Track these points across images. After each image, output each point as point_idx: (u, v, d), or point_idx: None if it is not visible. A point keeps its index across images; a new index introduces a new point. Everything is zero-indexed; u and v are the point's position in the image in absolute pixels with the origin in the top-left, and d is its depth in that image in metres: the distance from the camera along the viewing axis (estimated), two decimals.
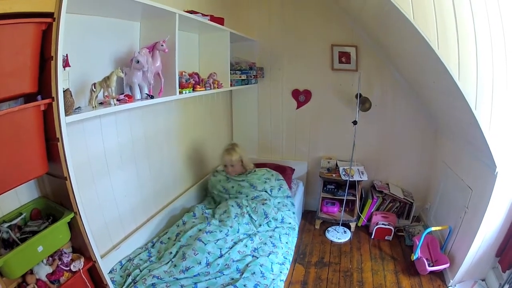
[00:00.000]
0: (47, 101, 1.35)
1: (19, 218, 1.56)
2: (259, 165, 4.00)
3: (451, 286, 3.01)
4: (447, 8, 2.13)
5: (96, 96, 1.72)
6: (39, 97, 1.39)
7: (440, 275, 3.13)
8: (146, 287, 2.09)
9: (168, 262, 2.35)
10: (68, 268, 1.65)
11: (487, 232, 2.77)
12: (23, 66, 1.29)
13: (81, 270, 1.67)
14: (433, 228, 3.19)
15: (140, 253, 2.44)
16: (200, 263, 2.31)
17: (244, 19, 3.98)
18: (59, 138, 1.40)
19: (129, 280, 2.17)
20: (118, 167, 2.28)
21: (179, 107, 3.01)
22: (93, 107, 1.71)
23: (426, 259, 3.16)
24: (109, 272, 2.19)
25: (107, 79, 1.73)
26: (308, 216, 4.27)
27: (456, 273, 2.96)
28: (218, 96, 3.89)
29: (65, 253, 1.69)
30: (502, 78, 2.25)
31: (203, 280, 2.23)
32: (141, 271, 2.26)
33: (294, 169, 4.08)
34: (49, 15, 1.32)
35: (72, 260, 1.69)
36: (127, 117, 2.32)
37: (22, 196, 1.65)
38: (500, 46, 2.18)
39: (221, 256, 2.43)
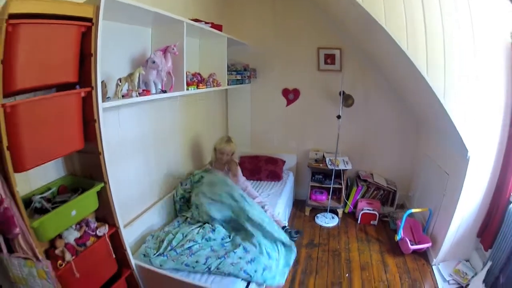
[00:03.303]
0: (87, 89, 1.69)
1: (48, 192, 1.82)
2: (252, 158, 4.37)
3: (434, 265, 3.28)
4: (417, 13, 2.50)
5: (121, 89, 2.05)
6: (77, 86, 1.72)
7: (423, 255, 3.44)
8: (184, 250, 2.49)
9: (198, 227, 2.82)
10: (94, 233, 1.94)
11: (464, 213, 3.05)
12: (68, 59, 1.63)
13: (106, 235, 1.98)
14: (413, 210, 3.51)
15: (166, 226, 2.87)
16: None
17: (239, 24, 4.33)
18: (96, 119, 1.74)
19: (165, 244, 2.52)
20: (130, 154, 2.58)
21: (182, 104, 3.34)
22: (118, 97, 2.04)
23: (410, 240, 3.46)
24: (144, 243, 2.55)
25: (131, 75, 2.09)
26: (298, 204, 4.60)
27: (439, 253, 3.24)
28: (215, 95, 4.23)
29: (91, 221, 1.99)
30: (468, 71, 2.60)
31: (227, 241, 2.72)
32: (174, 235, 2.62)
33: (285, 161, 4.45)
34: (88, 20, 1.65)
35: (97, 227, 1.99)
36: (140, 110, 2.64)
37: (50, 174, 1.91)
38: (469, 45, 2.54)
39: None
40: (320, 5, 4.01)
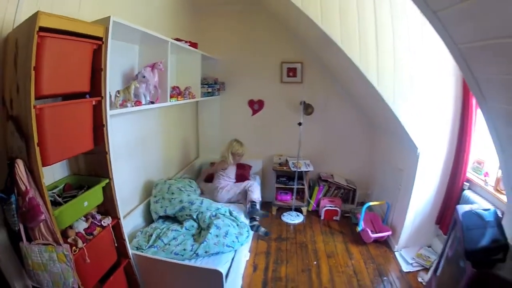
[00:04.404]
0: (98, 98, 2.00)
1: (57, 189, 2.10)
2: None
3: (397, 251, 3.67)
4: (369, 33, 2.93)
5: (119, 100, 2.37)
6: (87, 95, 2.02)
7: (385, 243, 3.88)
8: (170, 240, 2.82)
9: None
10: (99, 224, 2.22)
11: (419, 203, 3.48)
12: (83, 72, 1.93)
13: (110, 225, 2.26)
14: (372, 203, 3.96)
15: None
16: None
17: (208, 40, 4.68)
18: (105, 124, 2.06)
19: (154, 237, 2.83)
20: (121, 157, 2.85)
21: (161, 114, 3.68)
22: (116, 107, 2.36)
23: (371, 230, 3.88)
24: (134, 238, 2.82)
25: (128, 87, 2.42)
26: (265, 206, 4.90)
27: (399, 240, 3.64)
28: (187, 105, 4.58)
29: (95, 214, 2.27)
30: (418, 78, 3.03)
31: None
32: (161, 230, 2.94)
33: (251, 166, 4.83)
34: (99, 38, 1.97)
35: (101, 219, 2.27)
36: (128, 119, 2.95)
37: (56, 173, 2.18)
38: (419, 53, 2.96)
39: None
40: (283, 22, 4.46)
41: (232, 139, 4.15)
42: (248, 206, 3.73)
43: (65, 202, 1.98)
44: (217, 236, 2.87)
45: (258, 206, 3.80)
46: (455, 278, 2.28)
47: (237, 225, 3.17)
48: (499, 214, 2.57)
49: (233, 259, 2.85)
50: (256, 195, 3.81)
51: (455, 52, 1.71)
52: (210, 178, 4.31)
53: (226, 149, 4.04)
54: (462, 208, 2.44)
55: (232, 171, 4.16)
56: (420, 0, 1.51)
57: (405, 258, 3.53)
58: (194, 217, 3.19)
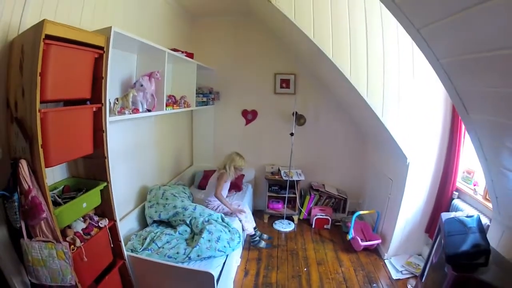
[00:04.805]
0: (98, 105, 2.11)
1: (56, 190, 2.19)
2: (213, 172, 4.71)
3: (386, 259, 3.72)
4: (360, 47, 2.99)
5: (118, 107, 2.47)
6: (88, 102, 2.12)
7: (375, 251, 3.94)
8: (163, 244, 2.90)
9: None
10: (97, 225, 2.30)
11: (409, 212, 3.53)
12: (85, 79, 2.04)
13: (106, 226, 2.34)
14: (362, 212, 4.04)
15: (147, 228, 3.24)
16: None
17: (205, 51, 4.82)
18: (104, 130, 2.16)
19: (148, 240, 2.90)
20: (118, 163, 2.94)
21: (157, 122, 3.78)
22: (115, 114, 2.47)
23: (361, 238, 3.94)
24: (129, 241, 2.89)
25: (126, 95, 2.52)
26: (257, 214, 5.00)
27: (389, 248, 3.69)
28: (182, 113, 4.68)
29: (93, 215, 2.35)
30: (406, 91, 3.09)
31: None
32: (155, 234, 3.01)
33: (244, 175, 4.90)
34: (101, 48, 2.08)
35: (98, 220, 2.35)
36: (126, 126, 3.05)
37: (56, 175, 2.27)
38: (408, 67, 3.03)
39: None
40: (277, 34, 4.57)
41: (233, 152, 3.97)
42: (248, 238, 4.05)
43: (65, 203, 2.06)
44: (209, 241, 2.95)
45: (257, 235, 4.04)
46: (439, 283, 2.33)
47: (229, 231, 3.24)
48: (488, 222, 2.68)
49: (224, 263, 2.93)
50: (250, 227, 3.86)
51: (437, 67, 1.83)
52: (203, 186, 4.37)
53: (228, 163, 3.86)
54: (446, 215, 2.53)
55: (228, 185, 4.04)
56: (403, 18, 1.63)
57: (395, 266, 3.57)
58: (187, 222, 3.27)
